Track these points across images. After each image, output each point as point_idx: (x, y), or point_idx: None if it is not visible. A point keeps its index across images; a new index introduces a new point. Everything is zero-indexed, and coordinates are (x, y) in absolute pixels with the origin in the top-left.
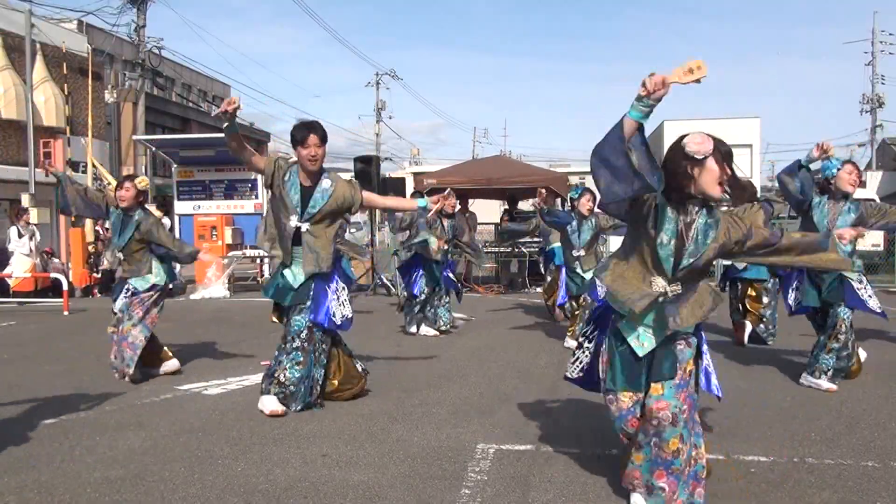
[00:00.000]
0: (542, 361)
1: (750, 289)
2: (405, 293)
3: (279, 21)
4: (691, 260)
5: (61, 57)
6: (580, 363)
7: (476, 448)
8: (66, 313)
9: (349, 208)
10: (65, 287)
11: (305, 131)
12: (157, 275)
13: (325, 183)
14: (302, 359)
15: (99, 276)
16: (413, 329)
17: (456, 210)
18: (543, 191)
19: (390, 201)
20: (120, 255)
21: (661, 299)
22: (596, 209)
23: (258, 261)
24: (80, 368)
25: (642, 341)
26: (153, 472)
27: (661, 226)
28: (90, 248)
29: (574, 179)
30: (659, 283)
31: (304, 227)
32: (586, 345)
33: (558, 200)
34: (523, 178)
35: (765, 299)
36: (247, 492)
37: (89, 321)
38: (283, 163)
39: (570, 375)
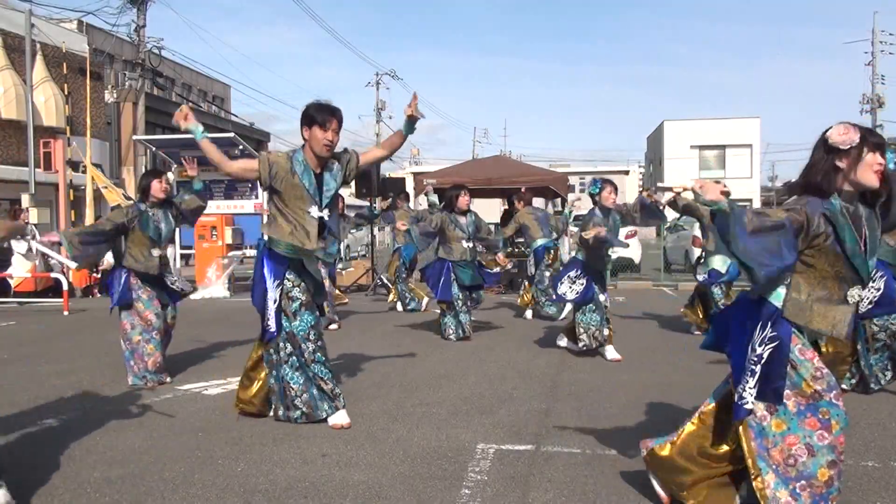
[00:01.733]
0: (542, 361)
1: (729, 290)
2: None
3: (279, 21)
4: (874, 258)
5: (61, 57)
6: (755, 377)
7: (476, 448)
8: (66, 313)
9: (350, 177)
10: (65, 287)
11: (329, 114)
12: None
13: (334, 166)
14: (324, 359)
15: (99, 276)
16: (452, 336)
17: (470, 207)
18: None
19: (378, 152)
20: (158, 251)
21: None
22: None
23: None
24: (80, 368)
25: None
26: (153, 472)
27: (844, 235)
28: None
29: (574, 179)
30: (854, 294)
31: (325, 213)
32: (757, 349)
33: (558, 200)
34: (523, 178)
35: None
36: (247, 492)
37: (89, 321)
38: (276, 156)
39: (752, 405)
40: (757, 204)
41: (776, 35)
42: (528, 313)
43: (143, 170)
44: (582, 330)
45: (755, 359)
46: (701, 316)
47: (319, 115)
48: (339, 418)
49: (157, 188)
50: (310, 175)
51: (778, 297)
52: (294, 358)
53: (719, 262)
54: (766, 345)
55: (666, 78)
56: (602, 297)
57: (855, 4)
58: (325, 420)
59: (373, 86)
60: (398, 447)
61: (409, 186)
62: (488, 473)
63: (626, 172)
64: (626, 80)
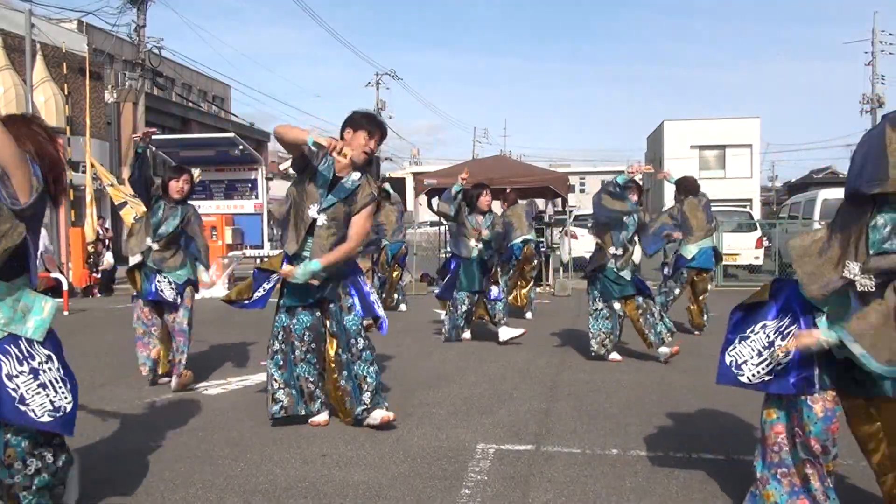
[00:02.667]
0: (542, 361)
1: (696, 277)
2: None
3: (279, 21)
4: None
5: (61, 57)
6: (769, 366)
7: (476, 448)
8: (66, 313)
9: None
10: (65, 287)
11: (375, 125)
12: (190, 269)
13: (355, 175)
14: (315, 360)
15: (99, 276)
16: (445, 337)
17: (491, 207)
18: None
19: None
20: (155, 244)
21: (845, 289)
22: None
23: (258, 261)
24: (80, 368)
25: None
26: (153, 472)
27: (882, 207)
28: (90, 248)
29: (574, 179)
30: (852, 269)
31: (321, 219)
32: (779, 342)
33: (559, 200)
34: (523, 178)
35: (709, 286)
36: (247, 492)
37: (89, 321)
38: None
39: (748, 380)
40: (757, 204)
41: (776, 35)
42: (528, 314)
43: None
44: (591, 336)
45: (781, 353)
46: (698, 312)
47: (367, 123)
48: (318, 417)
49: (173, 188)
50: (326, 177)
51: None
52: (280, 355)
53: (689, 250)
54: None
55: (666, 78)
56: (617, 306)
57: (855, 4)
58: (303, 417)
59: (373, 86)
60: (398, 447)
61: (409, 186)
62: (488, 473)
63: None
64: (626, 80)
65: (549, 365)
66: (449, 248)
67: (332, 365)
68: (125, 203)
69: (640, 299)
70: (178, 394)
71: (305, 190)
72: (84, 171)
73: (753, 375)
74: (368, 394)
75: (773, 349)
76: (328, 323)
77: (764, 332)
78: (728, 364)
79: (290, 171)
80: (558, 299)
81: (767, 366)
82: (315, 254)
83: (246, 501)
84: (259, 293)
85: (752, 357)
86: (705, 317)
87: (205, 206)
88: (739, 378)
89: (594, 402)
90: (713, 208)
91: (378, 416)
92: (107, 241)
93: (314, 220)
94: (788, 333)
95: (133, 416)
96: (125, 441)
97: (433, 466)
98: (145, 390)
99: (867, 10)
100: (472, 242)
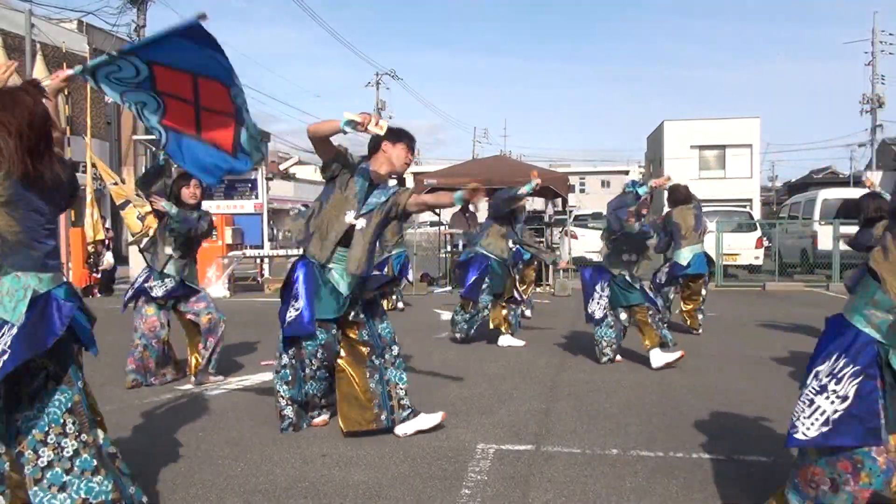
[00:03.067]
0: (542, 361)
1: (691, 283)
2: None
3: (279, 21)
4: None
5: (61, 57)
6: (823, 414)
7: (476, 448)
8: None
9: (396, 213)
10: None
11: (411, 140)
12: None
13: (391, 182)
14: (326, 376)
15: (99, 276)
16: (457, 335)
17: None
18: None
19: (430, 198)
20: (177, 252)
21: None
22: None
23: (258, 261)
24: None
25: None
26: (153, 472)
27: None
28: (90, 248)
29: (574, 179)
30: None
31: (360, 224)
32: (833, 387)
33: (559, 200)
34: (523, 178)
35: (703, 291)
36: (247, 492)
37: None
38: (351, 156)
39: (804, 436)
40: (757, 204)
41: (776, 35)
42: (528, 312)
43: (143, 170)
44: (595, 343)
45: (834, 397)
46: (691, 314)
47: (407, 138)
48: (318, 418)
49: (186, 194)
50: (363, 183)
51: (870, 322)
52: (288, 370)
53: (683, 256)
54: (850, 380)
55: (666, 78)
56: (623, 316)
57: (855, 4)
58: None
59: (373, 86)
60: (398, 447)
61: (409, 186)
62: (488, 473)
63: (626, 172)
64: (626, 80)
65: (549, 365)
66: (474, 248)
67: (363, 370)
68: (127, 202)
69: (648, 304)
70: (177, 394)
71: (338, 198)
72: (84, 171)
73: (808, 429)
74: (409, 398)
75: (826, 388)
76: (359, 331)
77: (816, 381)
78: (790, 428)
79: (291, 171)
80: (558, 299)
81: (821, 415)
82: (351, 260)
83: (246, 501)
84: (299, 304)
85: (803, 411)
86: (700, 317)
87: (205, 206)
88: (795, 436)
89: (594, 402)
90: (713, 208)
91: (437, 416)
92: (107, 241)
93: (351, 227)
94: (843, 376)
95: (133, 416)
96: (125, 441)
97: (433, 466)
98: (145, 390)
99: (867, 10)
100: (510, 243)
